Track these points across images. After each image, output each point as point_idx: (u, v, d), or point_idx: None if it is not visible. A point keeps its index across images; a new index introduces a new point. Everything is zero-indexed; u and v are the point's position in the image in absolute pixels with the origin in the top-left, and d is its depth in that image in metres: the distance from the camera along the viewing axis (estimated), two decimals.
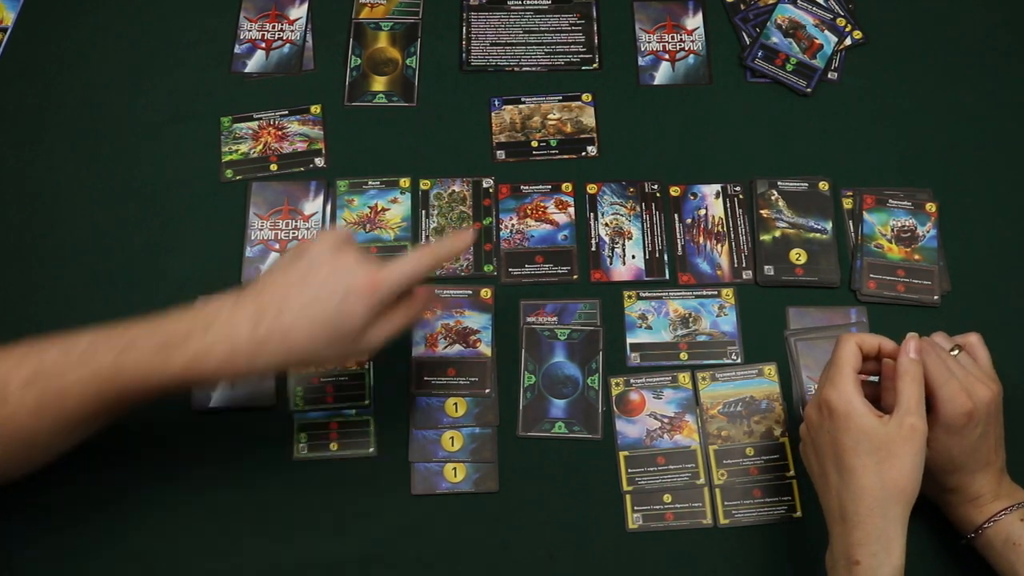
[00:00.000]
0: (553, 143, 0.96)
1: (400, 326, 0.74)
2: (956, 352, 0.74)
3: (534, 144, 0.96)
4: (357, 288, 0.70)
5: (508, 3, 1.04)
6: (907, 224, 0.92)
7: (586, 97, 0.98)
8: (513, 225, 0.93)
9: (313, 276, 0.70)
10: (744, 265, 0.91)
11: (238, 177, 0.94)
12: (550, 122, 0.97)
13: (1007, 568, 0.72)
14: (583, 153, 0.96)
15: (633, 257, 0.91)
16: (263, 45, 1.01)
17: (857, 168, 0.95)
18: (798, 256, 0.91)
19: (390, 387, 0.86)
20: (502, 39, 1.02)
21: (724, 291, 0.90)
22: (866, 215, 0.92)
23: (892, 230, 0.92)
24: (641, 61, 1.01)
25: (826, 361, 0.76)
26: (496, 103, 0.98)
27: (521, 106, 0.98)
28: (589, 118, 0.97)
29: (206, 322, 0.69)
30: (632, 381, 0.87)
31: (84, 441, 0.73)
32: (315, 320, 0.69)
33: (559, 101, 0.98)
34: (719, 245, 0.92)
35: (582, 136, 0.96)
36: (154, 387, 0.69)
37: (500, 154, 0.95)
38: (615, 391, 0.86)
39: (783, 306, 0.89)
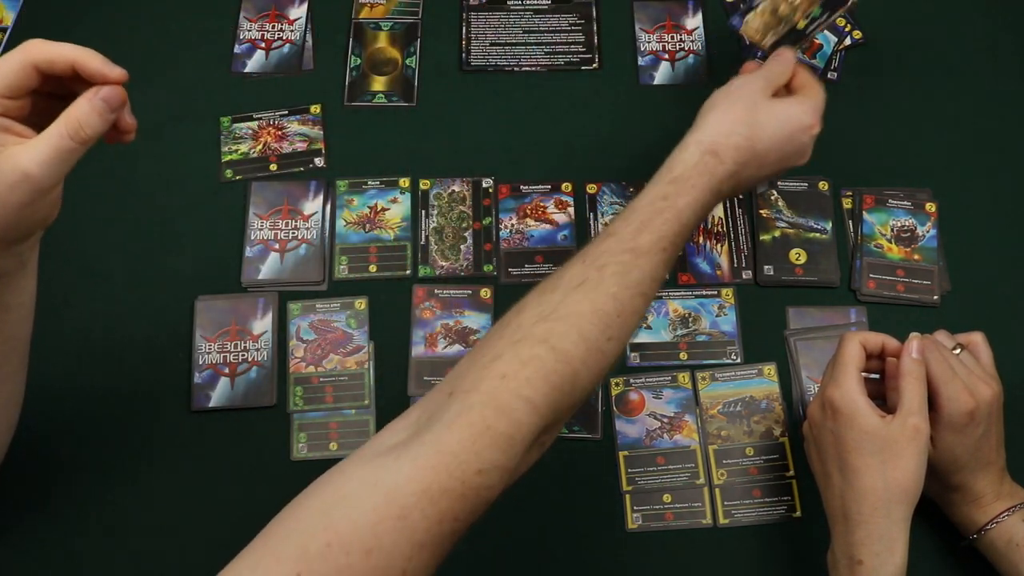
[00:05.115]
0: None
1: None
2: (958, 351, 0.75)
3: None
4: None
5: (508, 3, 1.04)
6: (907, 224, 0.92)
7: None
8: (513, 225, 0.93)
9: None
10: (744, 265, 0.91)
11: (238, 177, 0.94)
12: None
13: (1010, 569, 0.72)
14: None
15: None
16: (263, 45, 1.01)
17: (857, 168, 0.95)
18: (798, 256, 0.91)
19: (390, 387, 0.86)
20: (502, 39, 1.02)
21: (724, 291, 0.90)
22: (866, 215, 0.92)
23: (892, 230, 0.92)
24: (641, 61, 1.01)
25: (826, 361, 0.76)
26: None
27: None
28: None
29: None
30: (632, 381, 0.86)
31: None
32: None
33: None
34: (719, 245, 0.92)
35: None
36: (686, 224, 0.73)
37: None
38: (615, 391, 0.86)
39: (783, 306, 0.89)
